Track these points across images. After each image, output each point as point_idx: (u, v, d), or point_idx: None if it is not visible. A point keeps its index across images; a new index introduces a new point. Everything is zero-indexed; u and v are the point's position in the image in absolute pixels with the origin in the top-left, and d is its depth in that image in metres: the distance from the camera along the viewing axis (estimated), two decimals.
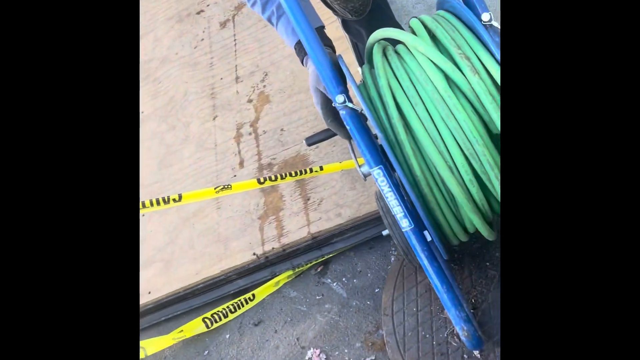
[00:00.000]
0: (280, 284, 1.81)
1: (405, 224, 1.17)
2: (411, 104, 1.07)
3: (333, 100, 1.17)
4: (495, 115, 1.04)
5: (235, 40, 2.32)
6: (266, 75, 2.16)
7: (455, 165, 1.06)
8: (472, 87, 1.03)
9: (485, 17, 1.07)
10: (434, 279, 1.20)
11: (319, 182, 1.85)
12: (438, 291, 1.21)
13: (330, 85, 1.16)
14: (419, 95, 1.07)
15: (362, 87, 1.18)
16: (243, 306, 1.79)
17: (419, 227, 1.17)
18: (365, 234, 1.75)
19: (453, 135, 1.05)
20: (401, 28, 1.88)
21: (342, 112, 1.17)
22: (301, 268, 1.80)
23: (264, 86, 2.14)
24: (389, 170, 1.17)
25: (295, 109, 2.03)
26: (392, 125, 1.08)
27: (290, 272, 1.80)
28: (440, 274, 1.19)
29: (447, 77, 1.05)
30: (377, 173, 1.16)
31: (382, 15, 1.80)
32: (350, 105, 1.14)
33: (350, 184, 1.81)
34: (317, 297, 1.74)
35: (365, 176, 1.24)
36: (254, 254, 1.81)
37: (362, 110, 1.17)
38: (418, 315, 1.48)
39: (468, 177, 1.06)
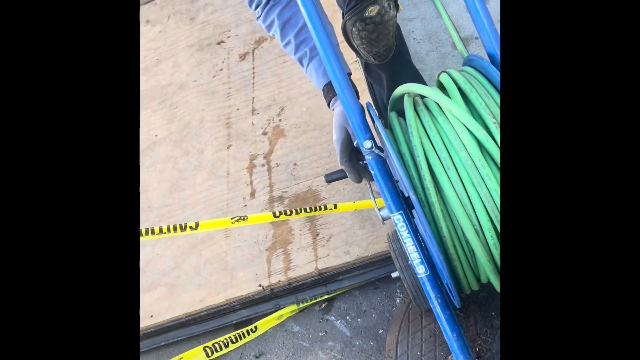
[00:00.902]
0: (284, 318, 1.82)
1: (421, 270, 1.20)
2: (444, 167, 1.11)
3: (360, 145, 1.21)
4: None
5: (253, 72, 2.37)
6: (282, 109, 2.21)
7: (482, 229, 1.10)
8: None
9: None
10: (446, 326, 1.22)
11: (329, 218, 1.88)
12: (448, 338, 1.23)
13: (359, 130, 1.20)
14: (452, 159, 1.11)
15: (392, 137, 1.22)
16: (245, 337, 1.80)
17: (434, 274, 1.20)
18: (372, 274, 1.77)
19: (483, 202, 1.08)
20: (419, 75, 1.95)
21: (367, 157, 1.21)
22: (305, 303, 1.81)
23: (280, 120, 2.18)
24: (409, 217, 1.20)
25: (309, 145, 2.07)
26: (424, 187, 1.12)
27: (294, 307, 1.81)
28: (452, 322, 1.22)
29: (481, 145, 1.09)
30: (398, 218, 1.19)
31: (402, 61, 1.86)
32: (376, 151, 1.19)
33: (360, 223, 1.84)
34: (320, 334, 1.75)
35: (384, 219, 1.27)
36: (260, 285, 1.82)
37: (386, 157, 1.22)
38: None
39: (493, 241, 1.10)
